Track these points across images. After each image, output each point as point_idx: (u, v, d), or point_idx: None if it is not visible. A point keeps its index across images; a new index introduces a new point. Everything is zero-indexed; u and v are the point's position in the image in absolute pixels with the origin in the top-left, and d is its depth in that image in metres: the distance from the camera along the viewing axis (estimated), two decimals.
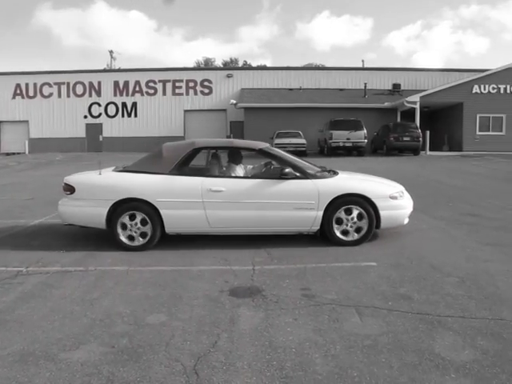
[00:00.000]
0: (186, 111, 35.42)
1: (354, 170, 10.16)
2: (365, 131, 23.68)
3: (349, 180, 6.37)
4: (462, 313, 3.74)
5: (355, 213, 5.84)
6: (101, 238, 6.26)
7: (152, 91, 35.34)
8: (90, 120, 35.13)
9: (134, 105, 35.25)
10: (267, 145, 6.55)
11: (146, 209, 5.76)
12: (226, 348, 3.19)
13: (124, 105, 35.25)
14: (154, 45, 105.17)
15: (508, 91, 27.22)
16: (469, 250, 5.65)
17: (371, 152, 26.97)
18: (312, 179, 5.92)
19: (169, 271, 4.96)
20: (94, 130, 35.03)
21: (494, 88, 27.15)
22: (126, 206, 5.80)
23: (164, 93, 35.40)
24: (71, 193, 5.97)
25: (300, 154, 24.69)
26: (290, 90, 35.97)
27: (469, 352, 3.10)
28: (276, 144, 25.00)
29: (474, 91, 27.10)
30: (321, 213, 5.78)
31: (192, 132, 34.63)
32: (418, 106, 26.81)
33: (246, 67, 50.52)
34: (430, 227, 6.95)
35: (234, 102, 32.09)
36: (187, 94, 35.49)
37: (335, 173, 6.44)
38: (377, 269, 4.92)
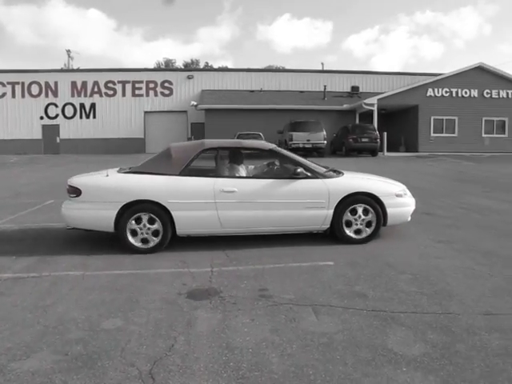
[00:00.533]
0: (146, 112, 34.98)
1: None
2: (324, 133, 24.05)
3: (356, 179, 6.46)
4: (414, 308, 3.86)
5: (363, 211, 6.01)
6: (55, 242, 6.10)
7: (111, 92, 34.70)
8: (47, 121, 34.12)
9: (93, 106, 34.50)
10: (274, 145, 6.57)
11: (156, 210, 5.68)
12: (182, 351, 3.18)
13: (82, 106, 34.45)
14: (113, 45, 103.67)
15: (460, 95, 28.27)
16: (422, 248, 5.83)
17: (331, 153, 27.40)
18: (322, 178, 6.03)
19: (126, 275, 4.88)
20: (50, 131, 34.03)
21: (446, 92, 28.13)
22: (135, 208, 5.68)
23: (123, 94, 34.83)
24: (77, 195, 5.78)
25: None
26: (251, 91, 36.11)
27: (419, 346, 3.20)
28: None
29: (428, 94, 28.00)
30: (331, 211, 5.91)
31: (152, 134, 34.29)
32: (375, 108, 27.45)
33: (207, 68, 50.45)
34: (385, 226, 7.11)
35: (195, 103, 31.93)
36: (147, 95, 35.06)
37: (340, 172, 6.56)
38: (334, 268, 5.00)
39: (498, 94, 28.58)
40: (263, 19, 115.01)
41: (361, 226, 6.02)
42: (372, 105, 27.38)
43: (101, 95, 34.58)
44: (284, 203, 5.85)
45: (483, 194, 10.64)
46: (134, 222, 5.67)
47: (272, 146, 6.46)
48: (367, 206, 6.00)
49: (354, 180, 6.34)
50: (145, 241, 5.71)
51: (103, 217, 5.68)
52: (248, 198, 5.81)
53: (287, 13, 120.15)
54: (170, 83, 35.32)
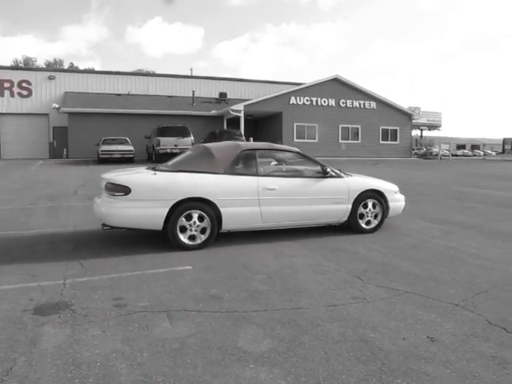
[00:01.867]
0: (1, 114, 31.92)
1: None
2: (192, 138, 24.12)
3: (366, 178, 7.48)
4: (266, 306, 4.03)
5: (372, 205, 7.01)
6: None
7: None
8: None
9: None
10: (298, 149, 7.35)
11: (205, 208, 5.91)
12: (22, 373, 2.93)
13: None
14: None
15: (319, 103, 30.41)
16: (278, 248, 6.12)
17: None
18: (343, 178, 6.91)
19: None
20: None
21: (307, 100, 30.07)
22: (185, 205, 5.83)
23: None
24: (125, 194, 5.71)
25: (128, 161, 24.20)
26: (118, 95, 35.01)
27: (268, 342, 3.34)
28: (102, 151, 24.03)
29: (291, 102, 29.66)
30: (350, 206, 6.82)
31: (8, 138, 31.40)
32: (242, 115, 28.29)
33: (72, 69, 47.67)
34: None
35: (57, 106, 29.99)
36: (2, 95, 32.15)
37: (347, 173, 7.33)
38: (191, 272, 5.03)
39: (352, 104, 31.30)
40: (133, 21, 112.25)
41: (370, 218, 7.01)
42: (239, 111, 28.17)
43: None
44: (315, 199, 6.62)
45: None
46: (183, 219, 5.85)
47: (296, 149, 7.33)
48: (375, 201, 7.02)
49: (365, 179, 7.39)
50: (192, 238, 5.94)
51: (153, 215, 5.76)
52: (286, 195, 6.43)
53: (158, 16, 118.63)
54: (29, 83, 32.78)
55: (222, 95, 36.30)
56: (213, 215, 5.95)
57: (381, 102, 32.30)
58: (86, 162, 25.67)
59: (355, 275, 4.89)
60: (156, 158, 24.27)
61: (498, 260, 5.49)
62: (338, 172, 6.99)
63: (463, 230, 7.34)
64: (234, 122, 29.89)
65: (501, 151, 65.66)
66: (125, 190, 5.74)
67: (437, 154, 39.98)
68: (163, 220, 5.77)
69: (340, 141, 30.72)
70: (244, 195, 6.17)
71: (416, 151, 46.45)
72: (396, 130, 32.98)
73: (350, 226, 6.96)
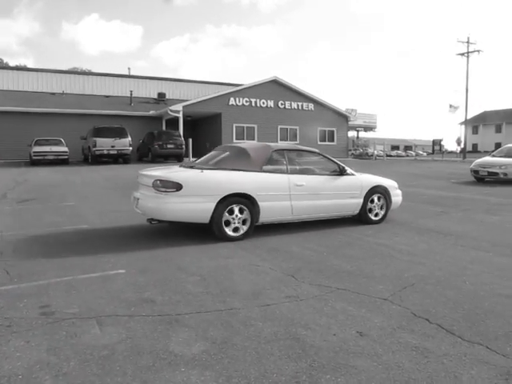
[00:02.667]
0: None
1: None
2: (129, 138, 23.60)
3: (373, 176, 8.32)
4: (199, 308, 3.99)
5: (380, 199, 7.94)
6: None
7: None
8: None
9: None
10: (318, 150, 8.17)
11: (246, 202, 6.51)
12: None
13: None
14: None
15: (258, 105, 30.63)
16: (214, 249, 6.08)
17: (137, 159, 27.03)
18: (356, 175, 7.80)
19: None
20: None
21: (247, 101, 30.22)
22: (230, 200, 6.38)
23: None
24: (177, 190, 6.15)
25: (62, 162, 23.31)
26: (53, 94, 33.64)
27: (200, 344, 3.31)
28: (35, 152, 22.98)
29: (230, 103, 29.69)
30: (362, 200, 7.70)
31: None
32: (181, 115, 27.99)
33: (2, 66, 45.09)
34: (178, 230, 7.28)
35: None
36: None
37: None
38: (124, 276, 4.89)
39: (291, 105, 31.79)
40: (68, 17, 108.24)
41: (378, 211, 7.91)
42: (177, 112, 27.85)
43: None
44: (336, 194, 7.44)
45: None
46: (227, 213, 6.38)
47: (317, 150, 8.14)
48: (381, 196, 7.94)
49: (373, 177, 8.24)
50: (236, 229, 6.51)
51: (202, 209, 6.25)
52: (312, 191, 7.16)
53: (95, 13, 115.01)
54: None
55: (161, 95, 35.76)
56: (252, 209, 6.58)
57: (318, 104, 33.02)
58: (18, 163, 24.44)
59: (289, 274, 4.95)
60: (92, 160, 23.56)
61: (424, 255, 5.75)
62: (352, 170, 7.84)
63: (394, 227, 7.63)
64: (173, 122, 29.50)
65: (431, 152, 68.99)
66: (177, 187, 6.18)
67: (372, 155, 41.45)
68: (211, 214, 6.29)
69: (279, 141, 31.10)
70: (278, 191, 6.85)
71: (352, 152, 47.94)
72: (333, 131, 33.85)
73: (360, 218, 7.84)
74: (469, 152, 54.49)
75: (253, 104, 30.35)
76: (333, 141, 33.12)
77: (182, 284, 4.66)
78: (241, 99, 29.91)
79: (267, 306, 4.05)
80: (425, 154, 74.65)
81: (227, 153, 7.44)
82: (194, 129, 32.42)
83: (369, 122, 55.21)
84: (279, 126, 31.35)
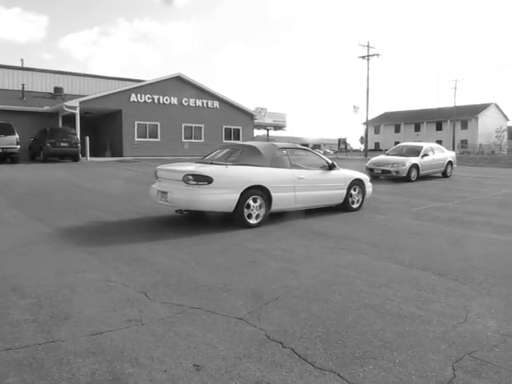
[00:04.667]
0: None
1: None
2: (17, 136, 21.51)
3: (352, 171, 9.63)
4: (13, 343, 3.19)
5: (357, 189, 9.18)
6: None
7: None
8: None
9: None
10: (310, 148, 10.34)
11: (261, 194, 7.32)
12: None
13: None
14: None
15: (161, 101, 29.53)
16: (67, 262, 5.26)
17: (29, 159, 24.88)
18: (341, 169, 9.03)
19: None
20: None
21: (149, 98, 29.00)
22: (250, 192, 7.15)
23: None
24: (209, 183, 6.82)
25: None
26: None
27: None
28: None
29: (131, 99, 28.30)
30: (345, 191, 8.90)
31: None
32: (78, 112, 26.18)
33: None
34: (43, 239, 6.35)
35: None
36: None
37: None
38: None
39: (195, 103, 31.01)
40: None
41: (356, 199, 9.18)
42: (74, 108, 25.98)
43: None
44: (328, 186, 8.54)
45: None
46: (247, 203, 7.12)
47: (310, 149, 9.60)
48: (358, 187, 9.20)
49: (352, 171, 9.50)
50: (254, 217, 7.28)
51: (229, 200, 6.98)
52: (310, 183, 8.18)
53: None
54: None
55: (58, 90, 33.31)
56: (266, 199, 7.38)
57: (224, 102, 32.51)
58: None
59: (142, 291, 4.28)
60: None
61: (300, 261, 5.34)
62: (337, 166, 9.00)
63: (279, 230, 7.22)
64: (71, 119, 27.48)
65: (337, 150, 71.41)
66: (208, 180, 6.84)
67: None
68: (235, 204, 7.01)
69: (183, 140, 30.21)
70: (286, 183, 7.74)
71: None
72: (239, 130, 33.51)
73: (344, 207, 8.97)
74: (372, 150, 57.01)
75: (155, 101, 29.14)
76: (238, 139, 32.68)
77: (6, 310, 3.81)
78: (143, 96, 28.56)
79: (99, 334, 3.36)
80: (332, 152, 77.23)
81: (240, 150, 8.27)
82: (94, 126, 30.56)
83: (278, 120, 55.84)
84: (183, 124, 30.40)
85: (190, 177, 6.88)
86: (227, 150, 8.65)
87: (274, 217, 7.84)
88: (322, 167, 8.67)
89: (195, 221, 7.87)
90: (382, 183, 15.10)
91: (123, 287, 4.41)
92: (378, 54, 43.02)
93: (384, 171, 16.20)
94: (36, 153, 24.30)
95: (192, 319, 3.61)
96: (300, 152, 8.90)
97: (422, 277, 4.73)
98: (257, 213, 7.29)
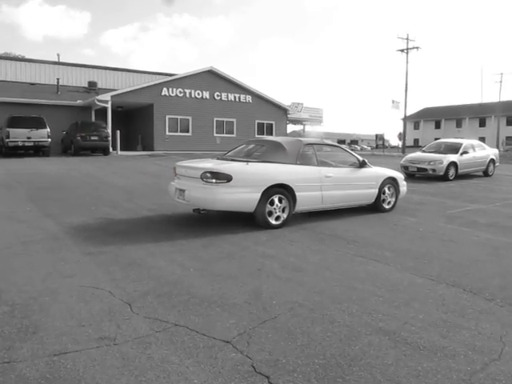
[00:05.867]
0: None
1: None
2: (48, 129, 21.63)
3: (385, 168, 9.02)
4: None
5: (390, 189, 8.59)
6: None
7: None
8: None
9: None
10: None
11: (285, 193, 6.85)
12: None
13: None
14: None
15: (193, 95, 29.21)
16: (60, 264, 4.87)
17: (61, 152, 25.08)
18: (373, 167, 8.43)
19: None
20: None
21: (180, 92, 28.72)
22: (272, 191, 6.68)
23: None
24: (228, 181, 6.38)
25: None
26: None
27: None
28: None
29: (163, 93, 28.09)
30: (377, 190, 8.30)
31: None
32: (109, 105, 26.14)
33: None
34: (44, 237, 6.02)
35: None
36: None
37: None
38: None
39: (228, 97, 30.57)
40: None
41: (389, 199, 8.58)
42: (106, 101, 25.97)
43: None
44: (357, 185, 7.98)
45: None
46: (269, 203, 6.68)
47: (339, 144, 9.17)
48: (391, 186, 8.60)
49: (385, 169, 8.94)
50: (277, 218, 6.81)
51: (249, 199, 6.53)
52: (338, 181, 7.62)
53: None
54: None
55: (92, 84, 33.53)
56: (290, 199, 6.91)
57: (257, 96, 31.90)
58: None
59: (128, 301, 3.82)
60: (5, 152, 21.49)
61: (312, 271, 4.76)
62: (369, 163, 8.35)
63: (296, 232, 6.65)
64: (104, 113, 27.53)
65: (375, 146, 69.80)
66: (227, 178, 6.39)
67: None
68: (256, 204, 6.55)
69: (215, 134, 29.82)
70: (311, 181, 7.25)
71: None
72: (272, 124, 32.85)
73: (376, 207, 8.39)
74: (410, 147, 55.24)
75: (187, 95, 28.82)
76: (271, 134, 32.01)
77: None
78: (174, 89, 28.29)
79: (63, 354, 2.93)
80: (369, 148, 75.60)
81: (263, 146, 7.74)
82: (126, 120, 30.58)
83: (315, 116, 54.83)
84: (215, 118, 30.00)
85: (208, 174, 6.45)
86: (252, 145, 8.11)
87: (294, 217, 7.27)
88: (352, 165, 8.13)
89: (209, 220, 7.40)
90: (417, 182, 14.24)
91: (109, 296, 3.96)
92: (417, 47, 41.40)
93: (419, 169, 15.27)
94: (68, 146, 24.44)
95: (172, 340, 3.11)
96: (328, 148, 8.44)
97: (450, 295, 4.07)
98: (279, 213, 6.82)
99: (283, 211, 6.87)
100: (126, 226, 6.88)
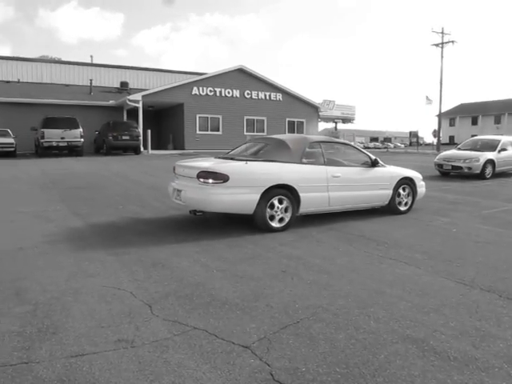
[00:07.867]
0: None
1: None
2: (81, 130, 22.11)
3: (400, 168, 8.50)
4: None
5: (406, 190, 8.11)
6: None
7: None
8: None
9: None
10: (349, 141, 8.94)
11: (287, 194, 6.49)
12: None
13: None
14: None
15: (223, 94, 29.29)
16: (85, 264, 4.88)
17: (94, 151, 25.56)
18: (386, 167, 7.91)
19: None
20: None
21: (211, 91, 28.85)
22: (273, 191, 6.33)
23: None
24: (224, 181, 6.06)
25: (7, 155, 21.75)
26: (7, 82, 31.83)
27: None
28: None
29: (193, 92, 28.28)
30: (391, 191, 7.82)
31: None
32: (140, 105, 26.51)
33: None
34: (71, 236, 6.07)
35: None
36: None
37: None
38: None
39: (258, 95, 30.51)
40: (45, 3, 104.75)
41: (406, 201, 8.12)
42: (137, 101, 26.35)
43: None
44: (369, 185, 7.51)
45: None
46: (270, 205, 6.32)
47: (349, 142, 8.67)
48: (407, 187, 8.12)
49: (400, 168, 8.42)
50: (278, 221, 6.46)
51: (247, 200, 6.19)
52: (347, 182, 7.20)
53: (74, 0, 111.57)
54: None
55: (124, 84, 34.11)
56: (293, 200, 6.54)
57: (287, 94, 31.74)
58: None
59: (149, 303, 3.77)
60: (40, 152, 22.05)
61: (338, 274, 4.61)
62: (382, 162, 7.89)
63: (323, 232, 6.50)
64: (135, 112, 27.94)
65: (408, 144, 68.48)
66: (224, 178, 6.07)
67: None
68: (255, 205, 6.20)
69: (245, 133, 29.80)
70: (317, 182, 6.84)
71: None
72: (302, 122, 32.63)
73: (390, 209, 7.93)
74: (445, 144, 54.01)
75: (217, 93, 28.94)
76: (302, 132, 31.83)
77: None
78: (205, 89, 28.45)
79: (80, 356, 2.90)
80: (403, 145, 74.25)
81: (267, 145, 7.40)
82: (157, 120, 30.96)
83: (347, 113, 54.20)
84: (245, 117, 30.02)
85: (205, 174, 6.16)
86: (256, 144, 7.66)
87: (319, 217, 7.12)
88: (364, 164, 7.65)
89: (235, 221, 7.32)
90: (451, 180, 13.81)
91: (130, 297, 3.93)
92: (453, 41, 40.39)
93: (454, 167, 14.80)
94: (100, 146, 24.91)
95: (190, 344, 3.03)
96: (338, 146, 7.99)
97: (484, 301, 3.85)
98: (282, 215, 6.46)
99: (285, 213, 6.52)
100: (152, 226, 6.89)
